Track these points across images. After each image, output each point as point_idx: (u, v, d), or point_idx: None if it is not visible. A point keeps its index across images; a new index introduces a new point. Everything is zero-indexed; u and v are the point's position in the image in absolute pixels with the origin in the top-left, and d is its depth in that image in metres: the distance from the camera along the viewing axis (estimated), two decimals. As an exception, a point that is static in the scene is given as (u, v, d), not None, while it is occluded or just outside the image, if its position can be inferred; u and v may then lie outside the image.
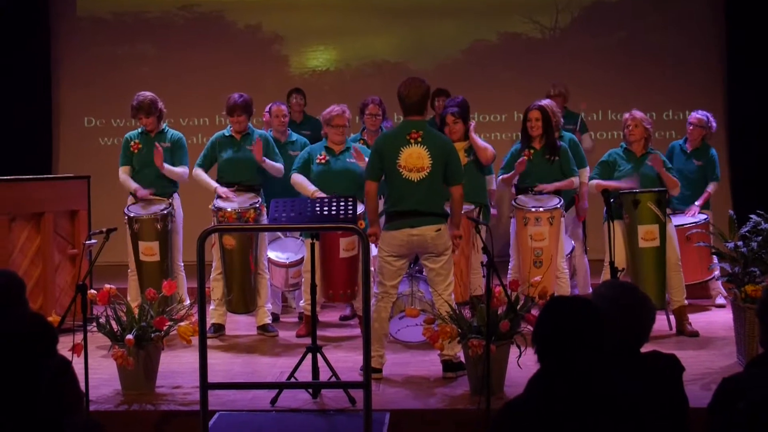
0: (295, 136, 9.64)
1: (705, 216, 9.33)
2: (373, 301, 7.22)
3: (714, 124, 9.73)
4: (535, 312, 6.63)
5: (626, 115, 8.81)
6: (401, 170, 7.12)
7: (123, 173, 9.00)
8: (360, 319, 8.35)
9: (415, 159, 7.13)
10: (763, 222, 7.44)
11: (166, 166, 8.76)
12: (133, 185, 8.90)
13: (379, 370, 7.21)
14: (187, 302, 7.83)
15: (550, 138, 8.72)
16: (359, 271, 8.16)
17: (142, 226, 8.65)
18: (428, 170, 7.12)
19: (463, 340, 6.75)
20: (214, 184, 8.82)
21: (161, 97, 9.01)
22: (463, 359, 7.07)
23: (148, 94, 8.93)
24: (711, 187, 9.61)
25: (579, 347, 3.30)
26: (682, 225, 9.10)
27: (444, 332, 6.74)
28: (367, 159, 7.86)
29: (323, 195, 8.34)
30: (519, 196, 8.72)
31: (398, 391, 6.90)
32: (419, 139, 7.14)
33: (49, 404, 3.43)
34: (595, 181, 8.70)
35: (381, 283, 7.24)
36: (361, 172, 8.53)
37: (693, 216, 9.36)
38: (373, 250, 8.54)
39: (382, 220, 7.52)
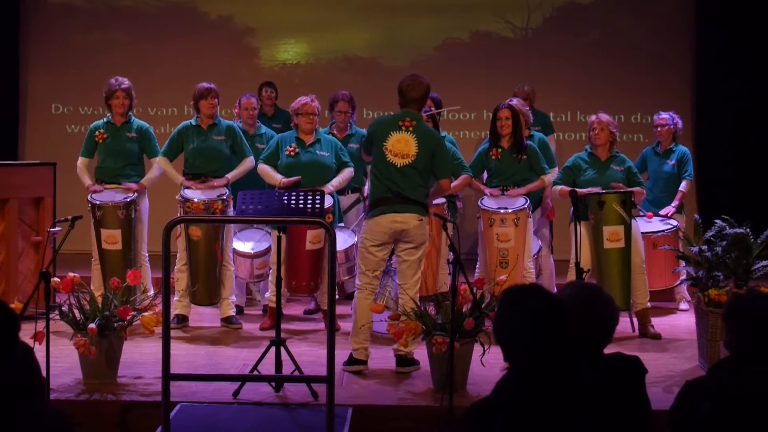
0: (263, 129, 9.63)
1: (675, 222, 9.34)
2: (355, 292, 7.30)
3: (680, 122, 9.75)
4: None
5: (592, 118, 8.81)
6: (387, 153, 7.15)
7: (81, 164, 8.99)
8: (324, 313, 8.34)
9: (402, 145, 7.16)
10: (727, 227, 7.49)
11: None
12: (87, 181, 8.88)
13: (364, 362, 7.22)
14: (151, 292, 7.80)
15: (518, 137, 8.74)
16: (324, 264, 8.17)
17: (105, 214, 8.61)
18: (413, 158, 7.15)
19: (427, 336, 6.76)
20: (180, 177, 8.80)
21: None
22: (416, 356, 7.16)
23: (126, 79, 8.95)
24: (684, 186, 9.58)
25: (545, 340, 3.30)
26: (652, 232, 9.12)
27: (408, 329, 6.74)
28: None
29: (290, 180, 8.35)
30: (484, 198, 8.74)
31: (361, 386, 6.89)
32: (411, 128, 7.19)
33: (10, 392, 3.40)
34: (558, 187, 8.74)
35: (364, 274, 7.23)
36: (331, 164, 8.57)
37: (667, 216, 9.39)
38: (353, 240, 8.57)
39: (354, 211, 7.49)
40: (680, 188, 9.56)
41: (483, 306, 6.75)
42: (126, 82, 8.92)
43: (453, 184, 8.64)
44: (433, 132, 7.56)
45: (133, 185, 8.79)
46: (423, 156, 7.17)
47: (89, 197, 8.72)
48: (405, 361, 7.24)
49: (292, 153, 8.61)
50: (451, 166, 7.60)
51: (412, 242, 7.19)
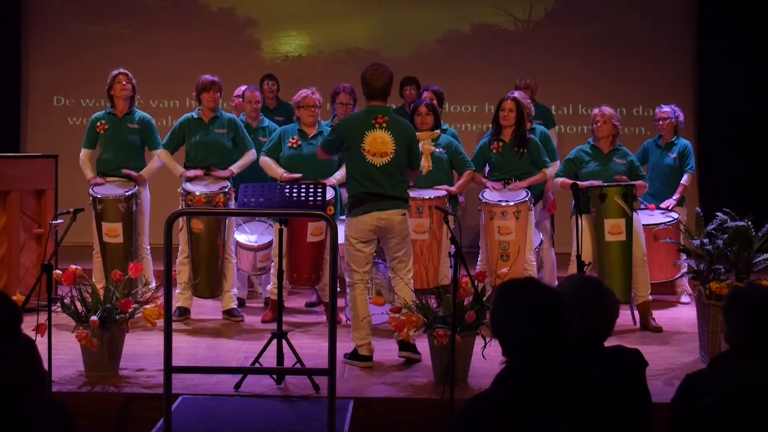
0: (266, 122, 9.62)
1: (677, 215, 9.33)
2: (348, 290, 7.32)
3: (681, 115, 9.74)
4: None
5: (595, 111, 8.81)
6: (365, 154, 7.14)
7: (83, 156, 9.01)
8: (326, 306, 8.35)
9: (379, 144, 7.15)
10: (729, 220, 7.49)
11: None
12: (89, 174, 8.89)
13: (370, 358, 7.22)
14: (153, 285, 7.81)
15: (520, 131, 8.75)
16: (325, 256, 8.17)
17: (106, 207, 8.61)
18: (391, 155, 7.16)
19: (428, 329, 6.77)
20: (180, 168, 8.80)
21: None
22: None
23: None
24: (686, 179, 9.56)
25: (543, 333, 3.30)
26: (654, 225, 9.11)
27: (410, 321, 6.75)
28: None
29: (292, 176, 8.34)
30: (485, 191, 8.75)
31: (362, 378, 6.90)
32: (384, 124, 7.18)
33: (11, 384, 3.41)
34: (560, 179, 8.74)
35: (354, 271, 7.23)
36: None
37: (668, 210, 9.38)
38: (340, 238, 8.57)
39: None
40: (682, 181, 9.54)
41: (484, 299, 6.76)
42: (124, 69, 8.95)
43: (458, 183, 8.69)
44: (406, 123, 7.56)
45: (133, 173, 8.79)
46: (400, 151, 7.21)
47: (90, 191, 8.72)
48: (406, 345, 7.27)
49: (294, 145, 8.62)
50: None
51: (397, 236, 7.22)
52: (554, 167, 8.97)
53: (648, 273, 8.64)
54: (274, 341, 6.74)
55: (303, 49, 12.98)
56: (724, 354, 3.89)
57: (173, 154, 8.93)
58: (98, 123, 8.94)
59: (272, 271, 8.54)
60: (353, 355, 7.22)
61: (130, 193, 8.67)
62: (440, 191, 8.50)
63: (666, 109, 9.69)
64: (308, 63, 12.89)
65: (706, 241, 7.49)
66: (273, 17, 12.93)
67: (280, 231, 6.95)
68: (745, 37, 12.13)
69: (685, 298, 9.69)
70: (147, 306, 6.89)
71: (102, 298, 6.86)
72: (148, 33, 12.82)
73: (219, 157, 8.79)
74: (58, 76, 12.81)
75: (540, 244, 9.13)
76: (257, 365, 6.75)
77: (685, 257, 7.86)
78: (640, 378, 3.84)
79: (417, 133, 8.58)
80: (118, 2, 12.91)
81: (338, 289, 7.34)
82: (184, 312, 8.73)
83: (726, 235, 7.43)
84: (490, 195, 8.66)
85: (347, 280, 7.33)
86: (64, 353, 7.02)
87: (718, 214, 7.62)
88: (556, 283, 9.07)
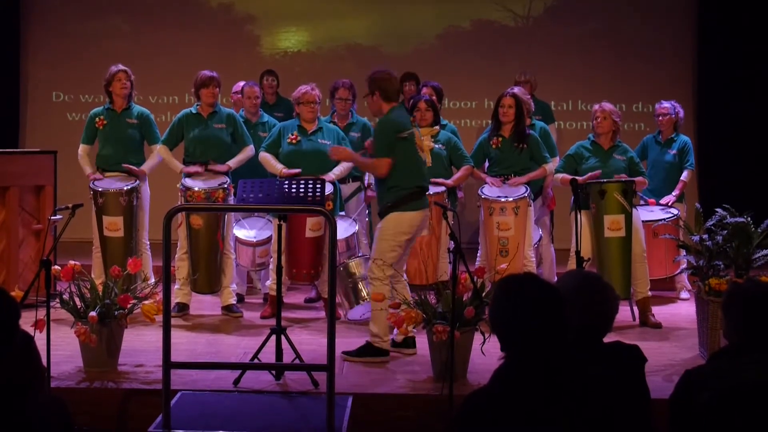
0: (266, 117, 9.61)
1: (676, 211, 9.33)
2: (375, 283, 7.19)
3: (681, 111, 9.73)
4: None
5: (596, 107, 8.81)
6: (418, 149, 7.24)
7: (82, 152, 9.01)
8: (325, 302, 8.35)
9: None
10: (728, 216, 7.49)
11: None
12: (88, 170, 8.88)
13: (388, 353, 7.26)
14: (152, 281, 7.80)
15: (520, 127, 8.74)
16: (324, 251, 8.17)
17: (107, 201, 8.61)
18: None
19: (427, 325, 6.77)
20: (180, 165, 8.80)
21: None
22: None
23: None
24: (685, 175, 9.55)
25: (543, 329, 3.30)
26: (653, 221, 9.11)
27: (409, 317, 6.75)
28: None
29: (291, 171, 8.35)
30: (484, 186, 8.75)
31: (361, 374, 6.90)
32: (416, 124, 7.29)
33: (10, 380, 3.40)
34: (560, 175, 8.73)
35: (388, 267, 7.13)
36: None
37: (667, 206, 9.38)
38: (353, 229, 8.60)
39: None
40: (681, 177, 9.53)
41: (483, 295, 6.75)
42: (123, 66, 8.95)
43: (455, 177, 8.71)
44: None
45: (133, 168, 8.79)
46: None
47: (91, 184, 8.73)
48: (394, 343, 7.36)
49: (294, 141, 8.62)
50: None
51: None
52: (554, 163, 8.96)
53: (647, 269, 8.64)
54: (273, 337, 6.73)
55: (302, 45, 12.97)
56: (724, 350, 3.89)
57: (172, 149, 8.94)
58: (97, 118, 8.94)
59: (271, 266, 8.54)
60: (368, 350, 7.21)
61: (130, 186, 8.68)
62: (439, 187, 8.50)
63: (666, 105, 9.68)
64: (308, 59, 12.88)
65: (705, 237, 7.49)
66: (272, 13, 12.91)
67: (279, 226, 6.94)
68: (745, 37, 12.12)
69: (684, 294, 9.68)
70: (146, 302, 6.89)
71: (101, 293, 6.85)
72: (148, 29, 12.80)
73: (218, 152, 8.78)
74: (56, 72, 12.80)
75: (539, 240, 9.12)
76: (256, 361, 6.74)
77: (684, 253, 7.86)
78: (639, 374, 3.84)
79: (416, 130, 8.64)
80: (118, -1, 12.91)
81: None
82: (183, 308, 8.73)
83: (725, 231, 7.43)
84: (489, 191, 8.66)
85: (377, 275, 7.15)
86: (62, 349, 7.01)
87: (717, 210, 7.62)
88: (555, 278, 9.06)
